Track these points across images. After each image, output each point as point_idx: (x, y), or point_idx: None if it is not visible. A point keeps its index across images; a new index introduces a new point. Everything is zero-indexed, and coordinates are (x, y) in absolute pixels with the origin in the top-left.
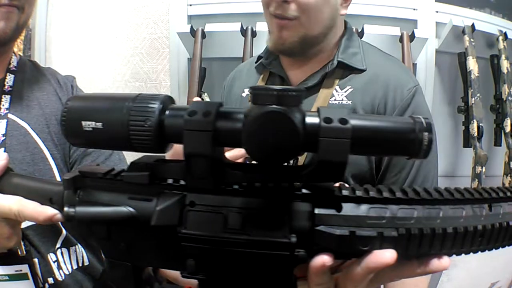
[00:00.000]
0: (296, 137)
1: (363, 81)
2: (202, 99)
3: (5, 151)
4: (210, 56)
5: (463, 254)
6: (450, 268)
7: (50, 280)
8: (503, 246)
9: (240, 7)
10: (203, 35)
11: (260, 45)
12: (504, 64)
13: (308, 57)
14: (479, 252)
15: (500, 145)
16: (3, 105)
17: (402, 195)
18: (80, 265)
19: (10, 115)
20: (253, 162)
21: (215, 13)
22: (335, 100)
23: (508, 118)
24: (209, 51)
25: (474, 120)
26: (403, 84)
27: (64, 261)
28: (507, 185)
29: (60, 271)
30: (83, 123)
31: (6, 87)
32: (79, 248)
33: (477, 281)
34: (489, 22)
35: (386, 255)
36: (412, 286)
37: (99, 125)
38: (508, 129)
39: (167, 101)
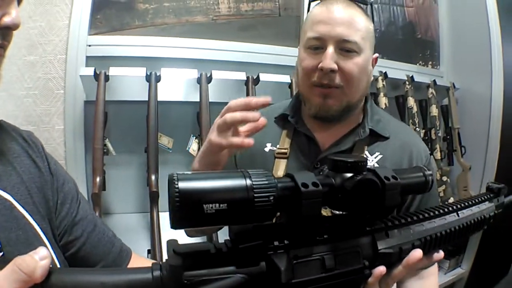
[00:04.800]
0: (382, 196)
1: (392, 149)
2: (105, 145)
3: None
4: (110, 99)
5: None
6: None
7: None
8: (467, 237)
9: (143, 51)
10: (106, 78)
11: (164, 90)
12: (383, 101)
13: (339, 121)
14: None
15: None
16: None
17: (416, 218)
18: None
19: None
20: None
21: (116, 55)
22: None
23: None
24: (109, 94)
25: None
26: (422, 151)
27: None
28: None
29: None
30: (205, 206)
31: None
32: None
33: None
34: None
35: (417, 253)
36: None
37: (223, 206)
38: None
39: (272, 174)
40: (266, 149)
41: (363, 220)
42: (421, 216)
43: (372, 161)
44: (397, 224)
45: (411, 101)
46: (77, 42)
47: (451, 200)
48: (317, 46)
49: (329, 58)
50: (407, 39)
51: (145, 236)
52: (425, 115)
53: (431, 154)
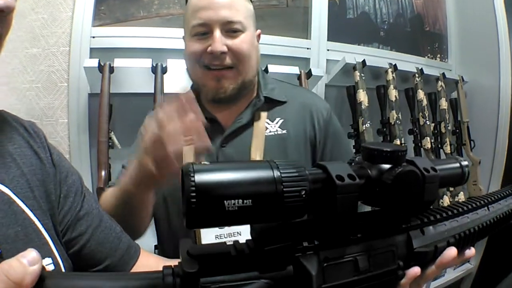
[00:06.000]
0: (421, 188)
1: (292, 111)
2: (110, 138)
3: None
4: (115, 91)
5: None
6: None
7: None
8: (498, 229)
9: (148, 42)
10: (111, 70)
11: (170, 82)
12: (393, 93)
13: (237, 100)
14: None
15: None
16: None
17: (451, 213)
18: None
19: None
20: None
21: (121, 46)
22: (269, 132)
23: (398, 139)
24: (114, 86)
25: None
26: (321, 107)
27: None
28: None
29: None
30: (226, 202)
31: None
32: None
33: None
34: (378, 56)
35: (452, 251)
36: None
37: (247, 202)
38: None
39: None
40: None
41: (398, 216)
42: (455, 211)
43: (275, 126)
44: (432, 220)
45: (421, 94)
46: (81, 33)
47: (461, 194)
48: (204, 32)
49: (218, 41)
50: (416, 31)
51: (152, 231)
52: (434, 108)
53: (441, 147)
